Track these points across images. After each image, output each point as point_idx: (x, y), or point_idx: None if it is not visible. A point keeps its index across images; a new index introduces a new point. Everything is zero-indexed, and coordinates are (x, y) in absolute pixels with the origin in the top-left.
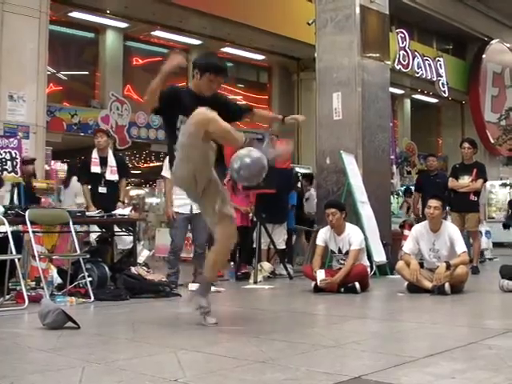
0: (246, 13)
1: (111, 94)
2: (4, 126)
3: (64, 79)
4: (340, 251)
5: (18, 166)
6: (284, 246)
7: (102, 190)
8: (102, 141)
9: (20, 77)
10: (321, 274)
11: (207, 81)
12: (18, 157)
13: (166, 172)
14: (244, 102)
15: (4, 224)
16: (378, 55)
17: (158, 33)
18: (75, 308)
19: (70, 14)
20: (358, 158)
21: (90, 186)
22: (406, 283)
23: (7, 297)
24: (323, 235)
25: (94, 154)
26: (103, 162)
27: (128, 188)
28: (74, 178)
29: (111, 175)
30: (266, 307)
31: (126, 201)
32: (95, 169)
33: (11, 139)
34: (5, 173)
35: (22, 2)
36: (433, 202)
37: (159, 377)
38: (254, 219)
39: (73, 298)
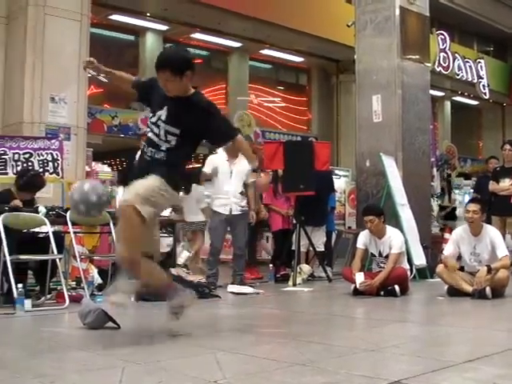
0: (285, 15)
1: None
2: (46, 127)
3: (104, 81)
4: (380, 254)
5: (60, 167)
6: (323, 249)
7: None
8: None
9: (61, 79)
10: (360, 277)
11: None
12: (59, 158)
13: (206, 168)
14: (282, 104)
15: (46, 224)
16: (418, 57)
17: (198, 35)
18: (115, 308)
19: (110, 17)
20: (398, 161)
21: None
22: (446, 287)
23: (48, 296)
24: (363, 238)
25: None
26: None
27: None
28: (194, 186)
29: None
30: (304, 309)
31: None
32: None
33: (53, 141)
34: (46, 174)
35: (63, 5)
36: (471, 206)
37: (199, 378)
38: (294, 222)
39: None
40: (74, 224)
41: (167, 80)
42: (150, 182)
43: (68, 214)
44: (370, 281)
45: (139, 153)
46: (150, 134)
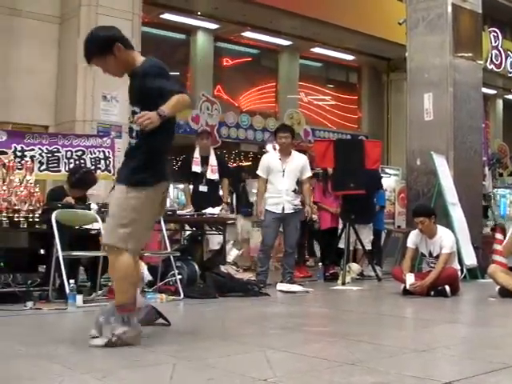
0: (335, 13)
1: (202, 94)
2: (98, 125)
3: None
4: (431, 254)
5: (111, 165)
6: (370, 247)
7: (203, 188)
8: (207, 142)
9: (113, 78)
10: (410, 278)
11: None
12: (110, 156)
13: (260, 171)
14: (333, 102)
15: (97, 221)
16: (470, 55)
17: (248, 33)
18: (165, 305)
19: (161, 16)
20: (449, 159)
21: (191, 186)
22: (498, 287)
23: (99, 292)
24: (414, 238)
25: (196, 154)
26: (204, 161)
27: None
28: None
29: (212, 174)
30: (353, 308)
31: (228, 200)
32: (196, 168)
33: (104, 138)
34: (98, 171)
35: (115, 5)
36: None
37: (248, 376)
38: (341, 220)
39: (163, 295)
40: None
41: (101, 67)
42: (113, 202)
43: None
44: (421, 282)
45: None
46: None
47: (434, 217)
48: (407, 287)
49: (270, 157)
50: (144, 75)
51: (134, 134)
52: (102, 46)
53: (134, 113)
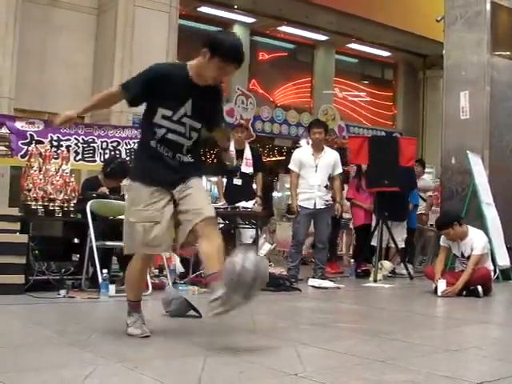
0: (372, 8)
1: (237, 88)
2: (134, 116)
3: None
4: (463, 255)
5: None
6: (403, 245)
7: (237, 181)
8: (242, 136)
9: None
10: (442, 285)
11: (215, 67)
12: None
13: (292, 165)
14: (368, 98)
15: None
16: (508, 53)
17: (285, 28)
18: (197, 297)
19: (198, 9)
20: (485, 158)
21: (225, 179)
22: None
23: None
24: (446, 238)
25: (231, 147)
26: (239, 154)
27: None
28: None
29: (246, 167)
30: (385, 306)
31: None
32: None
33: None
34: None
35: None
36: None
37: (279, 370)
38: (375, 217)
39: (195, 287)
40: None
41: (231, 72)
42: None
43: None
44: (452, 288)
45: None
46: (169, 136)
47: (458, 222)
48: (439, 294)
49: (303, 152)
50: (221, 94)
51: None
52: None
53: (194, 129)
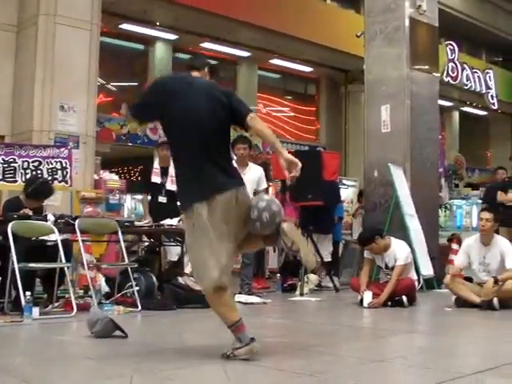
0: (294, 25)
1: None
2: (55, 135)
3: (114, 90)
4: (387, 266)
5: (69, 176)
6: (330, 259)
7: (162, 199)
8: (167, 153)
9: (71, 88)
10: (368, 297)
11: None
12: (68, 166)
13: None
14: (291, 113)
15: (54, 232)
16: (427, 67)
17: (207, 44)
18: (122, 317)
19: (120, 26)
20: (406, 171)
21: (149, 196)
22: (454, 298)
23: (56, 304)
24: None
25: (156, 165)
26: (164, 172)
27: None
28: None
29: (172, 185)
30: (312, 320)
31: None
32: (155, 179)
33: (62, 149)
34: (55, 182)
35: (73, 15)
36: (485, 215)
37: None
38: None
39: (120, 306)
40: (82, 232)
41: None
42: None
43: (76, 223)
44: (377, 299)
45: None
46: None
47: (380, 235)
48: (365, 305)
49: None
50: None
51: None
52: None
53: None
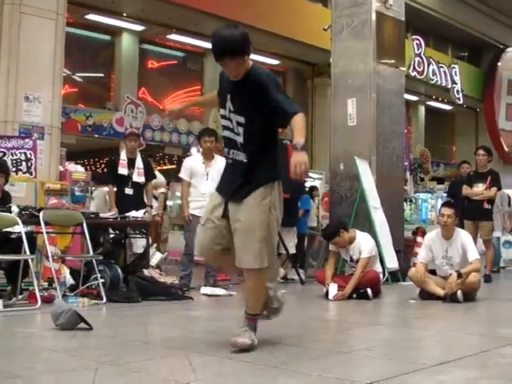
0: (261, 17)
1: (126, 97)
2: (19, 126)
3: (79, 81)
4: (351, 259)
5: (33, 167)
6: (294, 251)
7: (129, 191)
8: (135, 145)
9: (36, 78)
10: (333, 289)
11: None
12: (32, 157)
13: (183, 174)
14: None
15: (18, 224)
16: (393, 61)
17: (174, 36)
18: (87, 309)
19: (86, 17)
20: (372, 164)
21: (115, 188)
22: (419, 290)
23: (20, 297)
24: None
25: (123, 156)
26: (131, 163)
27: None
28: None
29: (138, 177)
30: None
31: (152, 204)
32: (122, 170)
33: (26, 140)
34: (19, 173)
35: (39, 4)
36: (446, 210)
37: (171, 379)
38: None
39: (85, 299)
40: (46, 224)
41: (238, 65)
42: (256, 219)
43: (41, 214)
44: (342, 291)
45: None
46: (225, 133)
47: (344, 229)
48: (330, 298)
49: (193, 160)
50: (266, 83)
51: (238, 146)
52: (247, 45)
53: (239, 124)
